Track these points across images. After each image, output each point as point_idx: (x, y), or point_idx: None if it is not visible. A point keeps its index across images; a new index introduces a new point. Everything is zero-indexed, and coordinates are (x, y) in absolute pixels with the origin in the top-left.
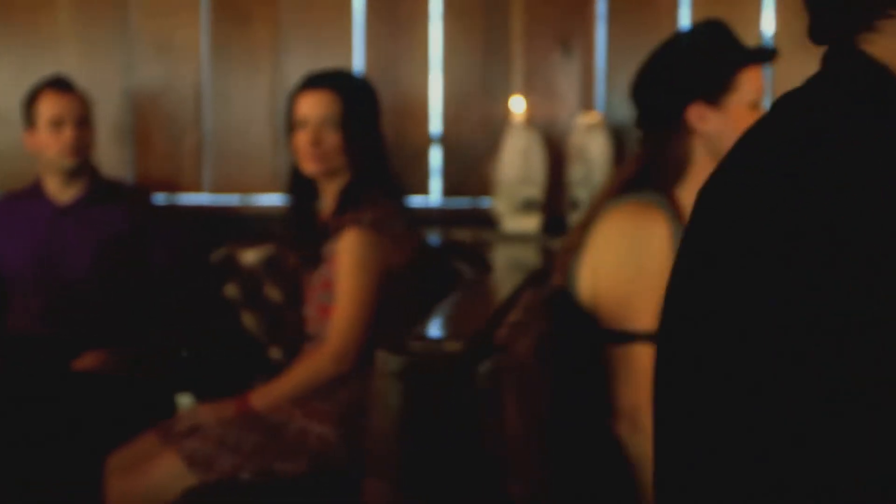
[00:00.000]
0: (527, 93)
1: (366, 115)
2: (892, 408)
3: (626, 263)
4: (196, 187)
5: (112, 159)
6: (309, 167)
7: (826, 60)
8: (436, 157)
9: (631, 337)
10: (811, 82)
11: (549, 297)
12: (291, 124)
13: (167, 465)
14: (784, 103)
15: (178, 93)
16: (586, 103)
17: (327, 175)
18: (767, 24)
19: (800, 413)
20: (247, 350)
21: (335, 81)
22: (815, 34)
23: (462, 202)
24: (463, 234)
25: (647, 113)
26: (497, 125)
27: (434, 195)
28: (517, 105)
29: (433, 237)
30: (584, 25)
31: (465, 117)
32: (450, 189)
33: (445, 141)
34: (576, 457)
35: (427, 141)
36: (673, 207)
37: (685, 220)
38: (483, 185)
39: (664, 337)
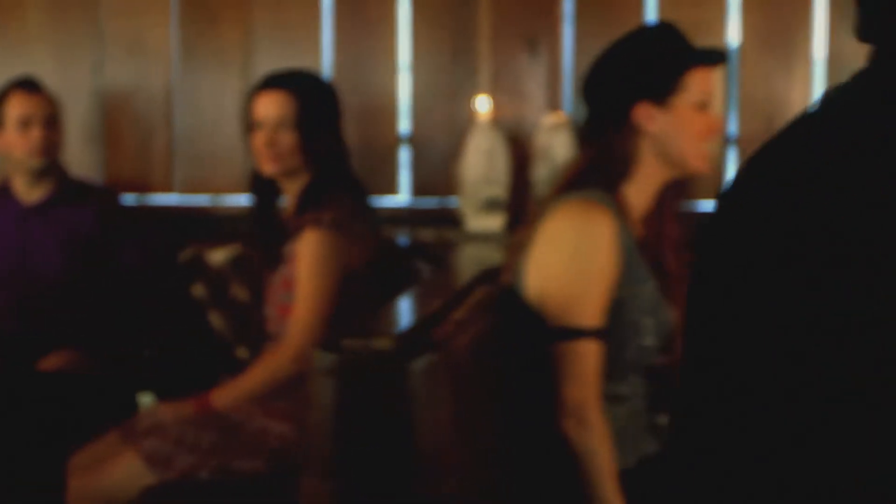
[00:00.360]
0: (494, 93)
1: (323, 115)
2: (892, 408)
3: (572, 260)
4: (166, 187)
5: (82, 160)
6: (266, 168)
7: (876, 58)
8: (404, 157)
9: (577, 333)
10: (861, 77)
11: (494, 294)
12: (249, 125)
13: (126, 464)
14: (830, 99)
15: (148, 93)
16: (553, 103)
17: (286, 175)
18: (733, 25)
19: (799, 413)
20: (214, 349)
21: (290, 82)
22: (865, 31)
23: (430, 202)
24: (427, 234)
25: (595, 111)
26: (465, 125)
27: (402, 195)
28: (482, 105)
29: (401, 237)
30: (550, 25)
31: (433, 117)
32: (418, 189)
33: (414, 141)
34: (522, 453)
35: (395, 141)
36: (619, 205)
37: (631, 217)
38: (451, 185)
39: (686, 328)
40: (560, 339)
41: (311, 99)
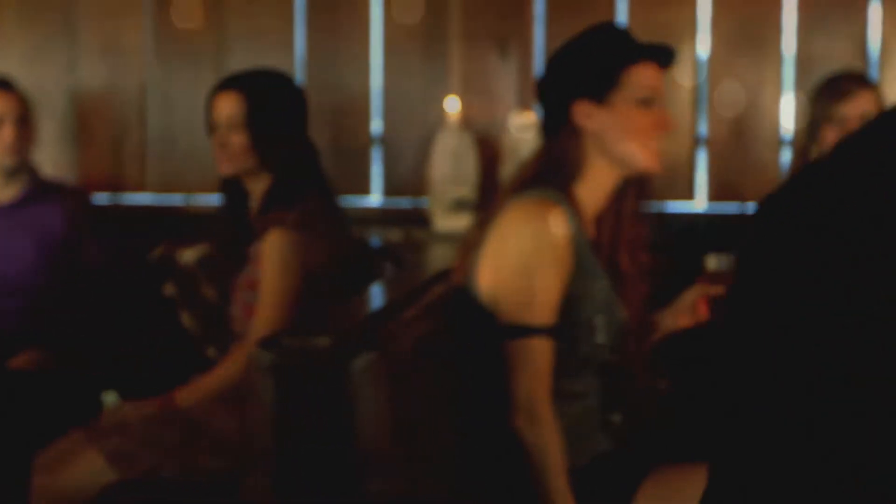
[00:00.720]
0: (465, 94)
1: (276, 114)
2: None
3: (524, 258)
4: (140, 187)
5: (56, 159)
6: (221, 169)
7: None
8: (377, 157)
9: (529, 331)
10: None
11: (445, 293)
12: (209, 126)
13: (89, 462)
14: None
15: (121, 93)
16: (524, 104)
17: (244, 175)
18: (703, 27)
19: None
20: (185, 348)
21: (240, 82)
22: None
23: (403, 202)
24: (397, 235)
25: (544, 111)
26: (437, 126)
27: (375, 195)
28: (451, 105)
29: (372, 237)
30: (521, 27)
31: (406, 118)
32: (391, 189)
33: (386, 141)
34: (474, 450)
35: (368, 141)
36: (571, 204)
37: (584, 216)
38: (423, 186)
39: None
40: (512, 337)
41: (263, 99)
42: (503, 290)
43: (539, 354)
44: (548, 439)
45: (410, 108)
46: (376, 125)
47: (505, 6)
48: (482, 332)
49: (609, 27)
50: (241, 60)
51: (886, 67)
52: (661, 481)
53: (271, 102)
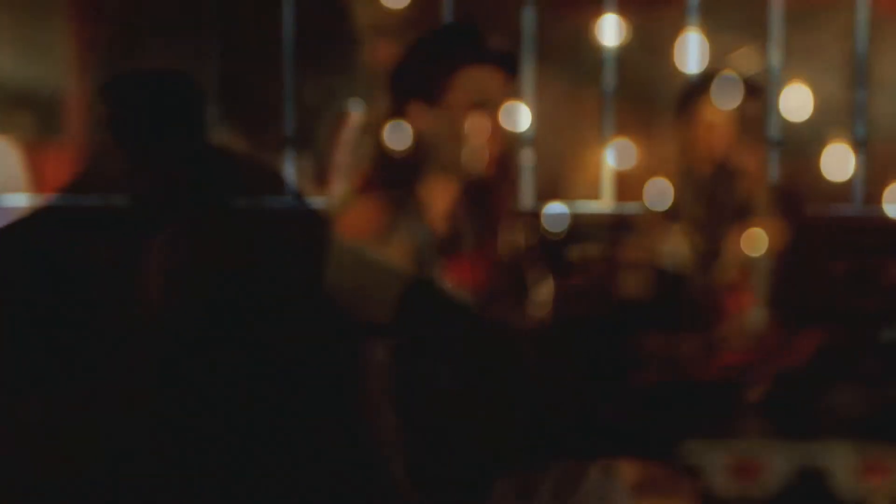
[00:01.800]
0: (378, 94)
1: (141, 119)
2: None
3: (365, 258)
4: (63, 188)
5: None
6: None
7: None
8: (290, 158)
9: (370, 330)
10: None
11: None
12: None
13: None
14: None
15: (42, 93)
16: None
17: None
18: (612, 28)
19: None
20: None
21: (107, 87)
22: None
23: (315, 203)
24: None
25: (389, 112)
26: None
27: (289, 196)
28: (353, 107)
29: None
30: (430, 28)
31: (322, 120)
32: (305, 189)
33: (298, 143)
34: (320, 447)
35: (283, 142)
36: (415, 204)
37: (428, 217)
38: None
39: None
40: (354, 337)
41: (126, 104)
42: (344, 290)
43: (377, 354)
44: (390, 437)
45: (322, 108)
46: (289, 126)
47: (414, 7)
48: (329, 332)
49: (455, 27)
50: (156, 62)
51: (787, 77)
52: (521, 479)
53: (134, 107)
